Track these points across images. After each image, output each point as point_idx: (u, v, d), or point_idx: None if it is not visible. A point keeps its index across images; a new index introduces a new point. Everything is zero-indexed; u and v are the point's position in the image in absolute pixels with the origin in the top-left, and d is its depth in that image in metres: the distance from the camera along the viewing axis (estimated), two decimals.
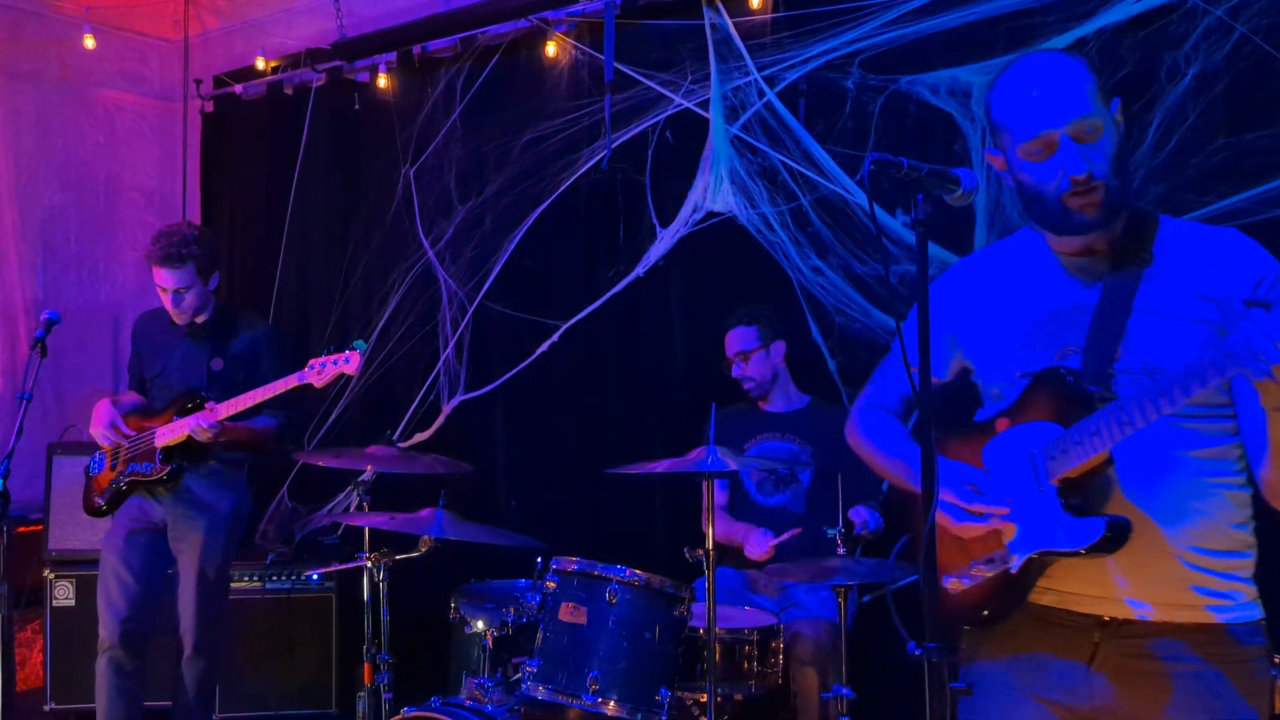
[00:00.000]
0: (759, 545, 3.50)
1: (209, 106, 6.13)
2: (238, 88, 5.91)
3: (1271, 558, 1.90)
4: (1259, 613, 1.83)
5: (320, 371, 3.62)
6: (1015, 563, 1.81)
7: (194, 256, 3.86)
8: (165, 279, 3.87)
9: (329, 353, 3.65)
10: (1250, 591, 1.83)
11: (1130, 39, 3.41)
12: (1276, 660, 1.82)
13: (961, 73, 3.68)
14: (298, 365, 3.72)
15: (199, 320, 4.00)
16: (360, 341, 3.64)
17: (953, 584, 1.91)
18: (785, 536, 3.50)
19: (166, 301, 3.93)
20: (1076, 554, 1.73)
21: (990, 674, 1.91)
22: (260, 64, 5.73)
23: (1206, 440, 1.80)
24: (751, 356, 3.79)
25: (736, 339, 3.83)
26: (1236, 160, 3.24)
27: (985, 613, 1.90)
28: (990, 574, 1.86)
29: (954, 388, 2.15)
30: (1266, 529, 1.87)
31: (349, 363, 3.60)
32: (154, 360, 4.07)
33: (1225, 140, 3.26)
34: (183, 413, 3.83)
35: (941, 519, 1.87)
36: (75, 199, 5.96)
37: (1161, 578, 1.78)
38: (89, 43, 5.66)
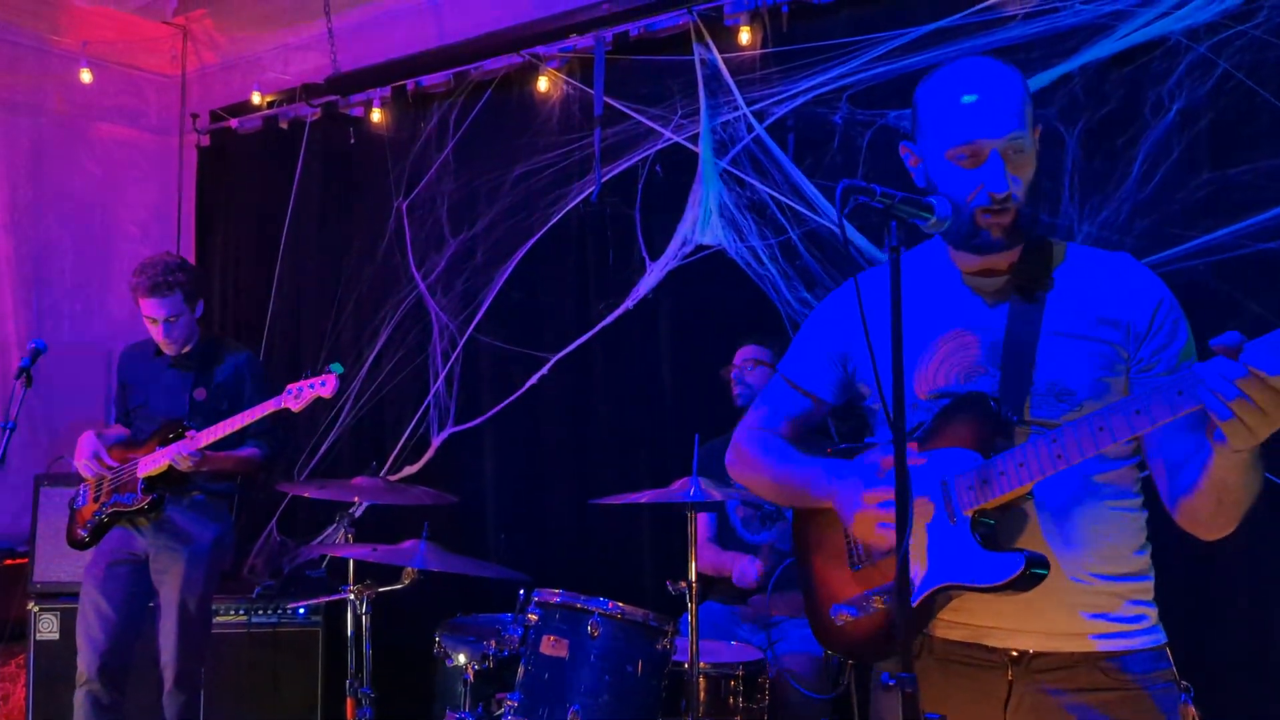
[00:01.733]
0: (747, 572, 3.47)
1: (205, 141, 6.17)
2: (234, 122, 5.95)
3: (1170, 581, 1.89)
4: (1164, 636, 1.81)
5: (298, 396, 3.62)
6: (916, 594, 1.74)
7: (180, 284, 3.87)
8: (154, 309, 3.88)
9: (306, 377, 3.65)
10: (1154, 614, 1.81)
11: (1114, 75, 3.44)
12: (1183, 684, 1.79)
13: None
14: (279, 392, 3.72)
15: (185, 350, 4.00)
16: (336, 364, 3.65)
17: (841, 616, 1.84)
18: (770, 563, 3.45)
19: (157, 332, 3.94)
20: (990, 590, 1.67)
21: None
22: (256, 98, 5.78)
23: (1110, 464, 1.78)
24: (759, 367, 3.76)
25: (751, 350, 3.82)
26: (1220, 195, 3.25)
27: (875, 647, 1.85)
28: (883, 606, 1.79)
29: (840, 411, 2.11)
30: (1159, 550, 1.86)
31: (325, 385, 3.60)
32: (138, 391, 4.07)
33: (1209, 175, 3.28)
34: (165, 443, 3.82)
35: (861, 529, 1.80)
36: (71, 232, 5.98)
37: (1071, 606, 1.75)
38: (86, 77, 5.71)
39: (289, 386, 3.68)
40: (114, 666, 3.86)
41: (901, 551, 1.52)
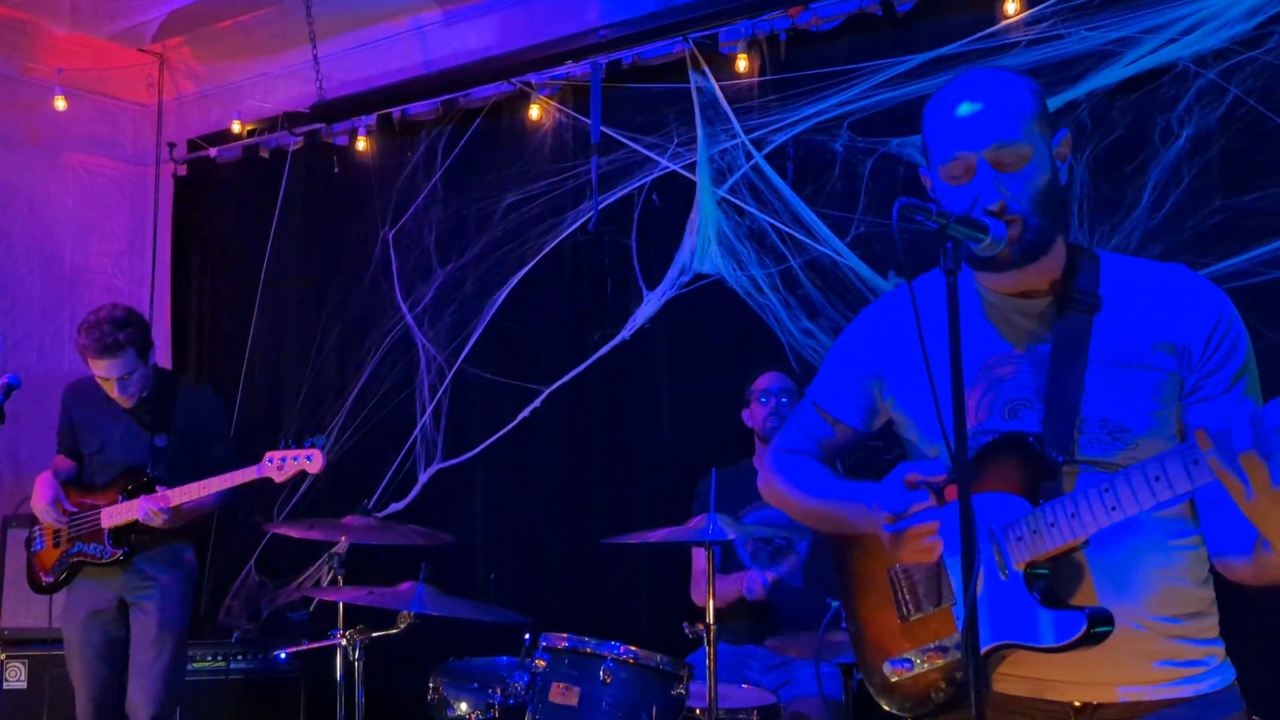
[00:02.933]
0: (754, 580, 3.36)
1: (182, 170, 6.05)
2: (212, 151, 5.83)
3: (1238, 614, 1.80)
4: (1233, 673, 1.71)
5: (280, 468, 3.53)
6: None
7: (131, 341, 3.68)
8: (106, 370, 3.68)
9: (286, 446, 3.55)
10: (1220, 653, 1.71)
11: (1121, 102, 3.40)
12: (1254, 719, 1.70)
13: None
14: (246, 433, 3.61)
15: (142, 396, 3.82)
16: (320, 437, 3.58)
17: (896, 672, 1.73)
18: (780, 571, 3.34)
19: (112, 391, 3.75)
20: (1053, 651, 1.57)
21: None
22: (236, 127, 5.66)
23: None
24: (778, 398, 3.60)
25: (771, 379, 3.66)
26: (1233, 222, 3.21)
27: (934, 703, 1.73)
28: (942, 662, 1.69)
29: (871, 440, 2.00)
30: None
31: (312, 461, 3.53)
32: (91, 435, 3.89)
33: (1222, 202, 3.23)
34: (127, 493, 3.71)
35: (871, 525, 1.67)
36: (42, 263, 5.82)
37: (1134, 654, 1.64)
38: (60, 104, 5.57)
39: (269, 455, 3.58)
40: (109, 711, 3.79)
41: (970, 602, 1.41)
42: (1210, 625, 1.72)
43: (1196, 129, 3.28)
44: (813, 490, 1.93)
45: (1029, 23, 3.53)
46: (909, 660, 1.72)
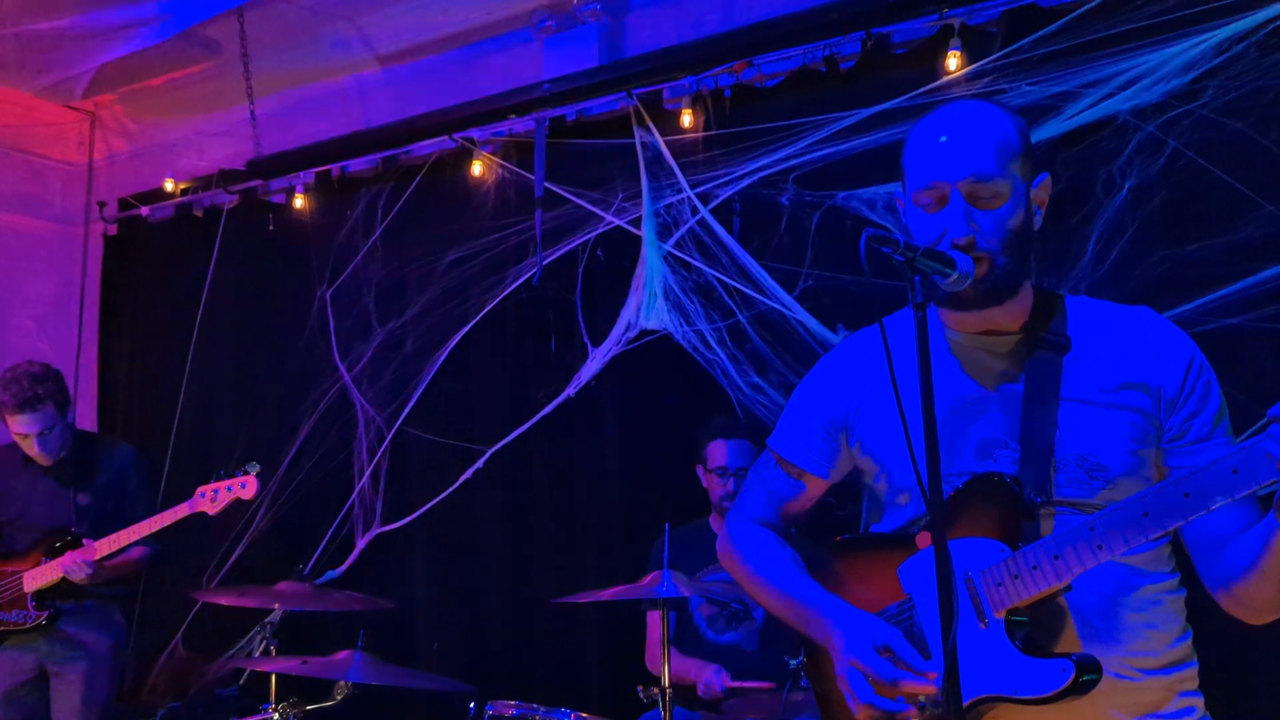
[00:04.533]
0: (713, 684, 3.18)
1: (112, 230, 5.89)
2: (144, 210, 5.69)
3: (1211, 657, 1.74)
4: None
5: (214, 499, 3.45)
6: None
7: (50, 395, 3.65)
8: (26, 425, 3.64)
9: (219, 478, 3.47)
10: (1201, 704, 1.66)
11: (1064, 155, 3.42)
12: None
13: (898, 188, 3.66)
14: (175, 490, 3.48)
15: (61, 455, 3.76)
16: (253, 464, 3.50)
17: None
18: (750, 685, 3.13)
19: (30, 448, 3.69)
20: (1039, 703, 1.50)
21: None
22: (169, 185, 5.53)
23: (1146, 543, 1.61)
24: (741, 475, 3.41)
25: (723, 452, 3.47)
26: (1178, 272, 3.22)
27: None
28: None
29: (837, 487, 1.93)
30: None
31: (245, 488, 3.47)
32: (10, 502, 3.80)
33: (1165, 252, 3.25)
34: (52, 553, 3.61)
35: (842, 689, 1.61)
36: None
37: (1115, 707, 1.58)
38: None
39: (201, 489, 3.52)
40: None
41: (950, 644, 1.33)
42: (1190, 675, 1.66)
43: (1138, 180, 3.31)
44: (774, 579, 1.84)
45: (970, 78, 3.56)
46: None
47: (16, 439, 3.69)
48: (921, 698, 1.56)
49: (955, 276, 1.56)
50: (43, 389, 3.61)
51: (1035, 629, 1.55)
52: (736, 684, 3.15)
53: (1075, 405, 1.64)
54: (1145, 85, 3.30)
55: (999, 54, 3.52)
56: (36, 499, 3.76)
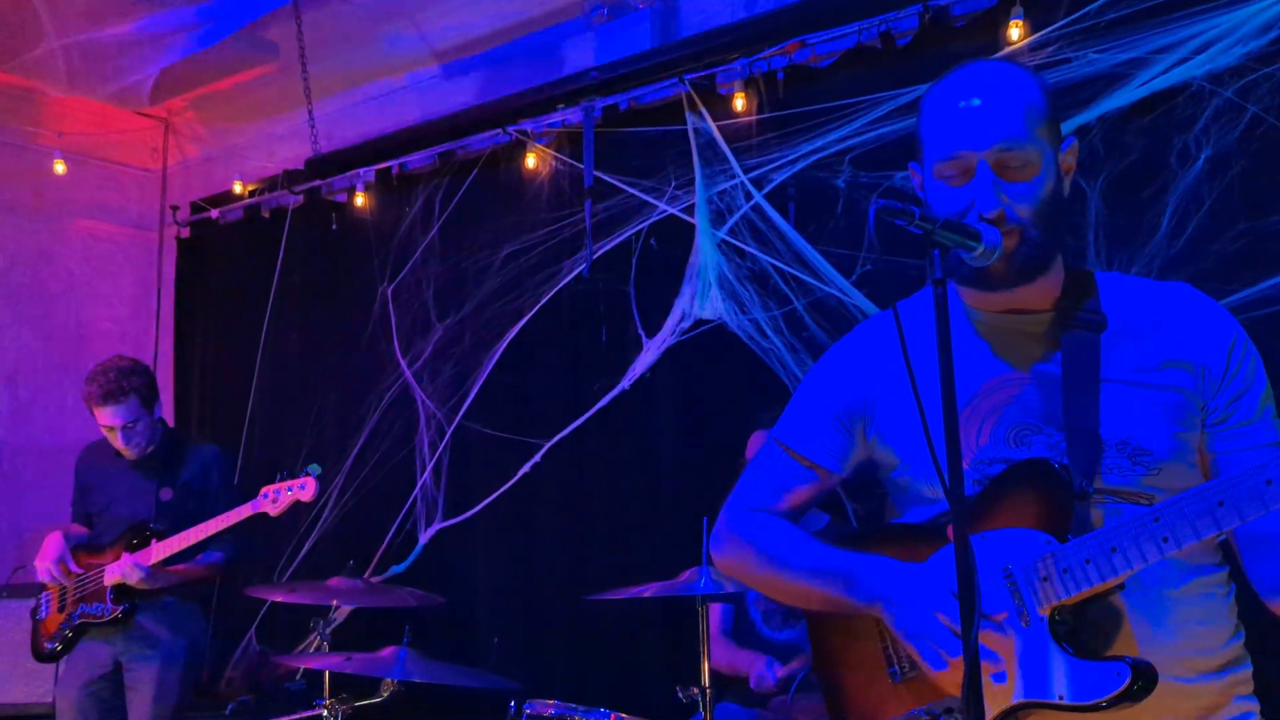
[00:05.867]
0: (765, 677, 3.10)
1: (185, 233, 6.01)
2: (214, 213, 5.79)
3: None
4: None
5: (275, 500, 3.46)
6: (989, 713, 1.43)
7: (135, 389, 3.70)
8: (110, 417, 3.69)
9: (282, 479, 3.48)
10: (1258, 709, 1.52)
11: (1135, 125, 3.24)
12: None
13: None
14: (248, 490, 3.49)
15: (147, 451, 3.80)
16: (314, 466, 3.52)
17: None
18: (793, 666, 3.09)
19: (116, 440, 3.75)
20: (1089, 709, 1.37)
21: None
22: (238, 188, 5.63)
23: None
24: None
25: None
26: (1258, 246, 3.02)
27: None
28: None
29: (850, 486, 1.79)
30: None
31: (304, 489, 3.45)
32: (99, 494, 3.88)
33: (1245, 225, 3.05)
34: (131, 549, 3.64)
35: (918, 652, 1.48)
36: (47, 329, 5.78)
37: (1171, 712, 1.45)
38: (59, 168, 5.55)
39: (264, 490, 3.53)
40: None
41: (972, 648, 1.23)
42: (1245, 678, 1.53)
43: (1215, 150, 3.11)
44: (795, 556, 1.68)
45: (1034, 48, 3.39)
46: None
47: (104, 431, 3.74)
48: (951, 701, 1.46)
49: (981, 250, 1.45)
50: (128, 382, 3.67)
51: (1084, 628, 1.42)
52: (787, 672, 3.06)
53: (1115, 386, 1.51)
54: (1221, 48, 3.10)
55: (1064, 21, 3.35)
56: (122, 493, 3.82)
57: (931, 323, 1.55)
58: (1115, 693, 1.35)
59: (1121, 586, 1.40)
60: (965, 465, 1.54)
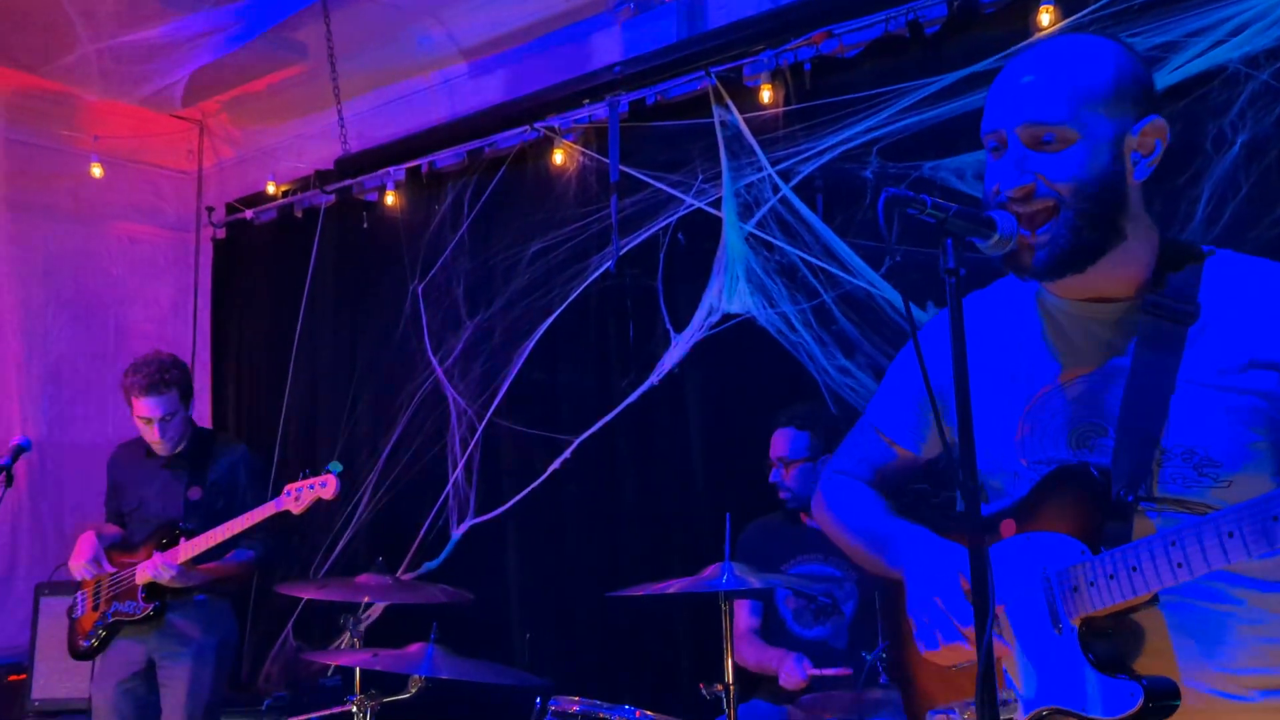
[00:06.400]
0: (794, 673, 3.08)
1: (220, 234, 6.07)
2: (249, 213, 5.85)
3: None
4: None
5: (298, 498, 3.49)
6: (1021, 713, 1.42)
7: (176, 381, 3.75)
8: (149, 408, 3.73)
9: (304, 477, 3.51)
10: None
11: (1169, 109, 3.13)
12: None
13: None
14: (281, 489, 3.54)
15: (178, 449, 3.85)
16: (335, 464, 3.54)
17: None
18: (830, 672, 3.03)
19: (151, 433, 3.79)
20: None
21: None
22: (271, 188, 5.68)
23: None
24: (795, 467, 3.36)
25: (783, 442, 3.40)
26: None
27: None
28: None
29: (934, 468, 1.78)
30: None
31: (325, 487, 3.48)
32: (131, 493, 3.92)
33: None
34: (161, 547, 3.68)
35: (916, 624, 1.50)
36: (84, 332, 5.85)
37: None
38: (96, 171, 5.62)
39: (288, 488, 3.56)
40: None
41: (985, 639, 1.20)
42: None
43: (1252, 134, 3.03)
44: (855, 517, 1.75)
45: (1069, 32, 3.32)
46: (953, 710, 1.51)
47: (139, 423, 3.78)
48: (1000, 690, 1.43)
49: (995, 239, 1.41)
50: (169, 375, 3.72)
51: (1118, 639, 1.38)
52: (818, 671, 3.03)
53: (1189, 388, 1.41)
54: (1257, 30, 3.02)
55: (1095, 5, 3.28)
56: (153, 492, 3.86)
57: (1003, 313, 1.53)
58: (1127, 713, 1.32)
59: (1155, 601, 1.35)
60: (1025, 464, 1.51)
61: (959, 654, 1.44)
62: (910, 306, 1.42)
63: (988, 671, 1.22)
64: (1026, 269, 1.46)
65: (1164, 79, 3.18)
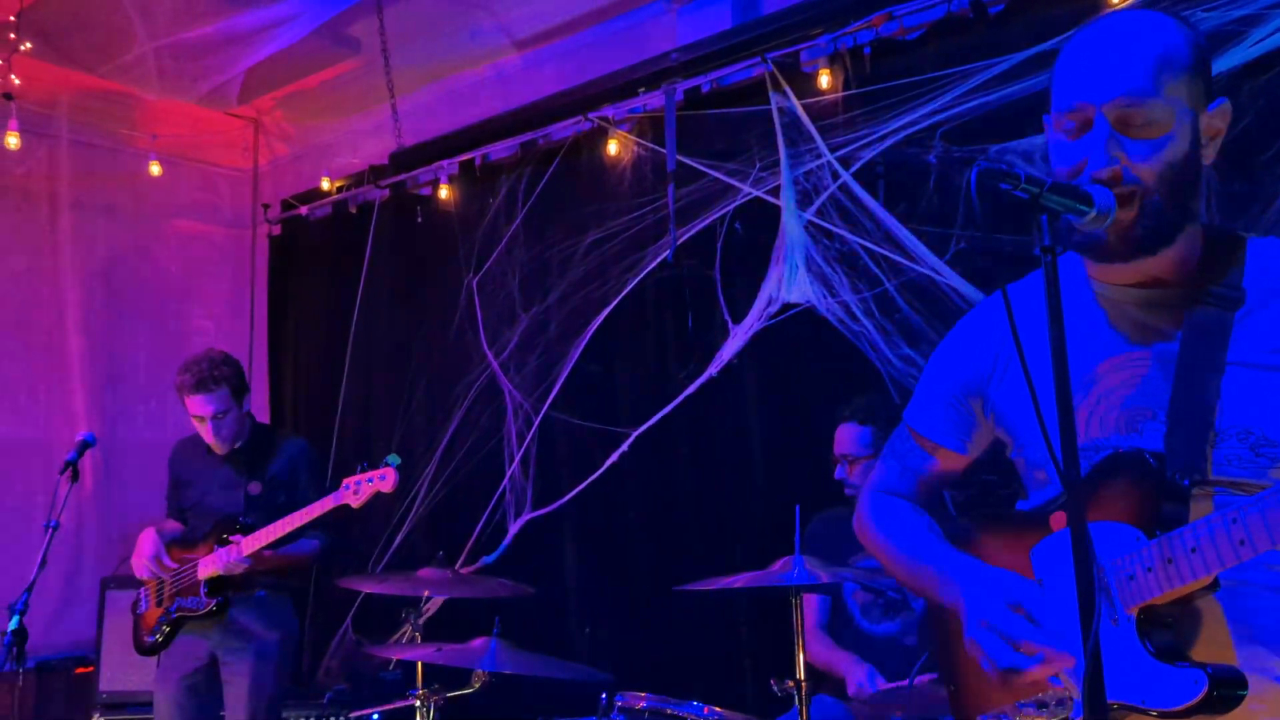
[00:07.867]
0: (866, 687, 2.96)
1: (276, 230, 6.11)
2: (304, 209, 5.88)
3: None
4: None
5: (357, 491, 3.47)
6: (1076, 711, 1.37)
7: (226, 379, 3.74)
8: (201, 407, 3.74)
9: (362, 470, 3.49)
10: None
11: (1249, 85, 3.05)
12: None
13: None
14: (339, 483, 3.54)
15: (236, 445, 3.85)
16: (394, 456, 3.51)
17: None
18: (900, 685, 2.87)
19: (206, 431, 3.80)
20: (1168, 717, 1.29)
21: None
22: (326, 184, 5.70)
23: None
24: (860, 463, 3.28)
25: (846, 439, 3.33)
26: None
27: None
28: None
29: (980, 467, 1.74)
30: None
31: (384, 480, 3.45)
32: (191, 489, 3.94)
33: None
34: (222, 542, 3.69)
35: (973, 653, 1.44)
36: (144, 329, 5.92)
37: None
38: (155, 169, 5.68)
39: (346, 481, 3.54)
40: None
41: (1091, 642, 1.14)
42: None
43: None
44: (904, 545, 1.70)
45: (1138, 8, 3.21)
46: (1005, 716, 1.45)
47: (194, 421, 3.80)
48: (1047, 697, 1.37)
49: (1092, 215, 1.34)
50: (219, 372, 3.72)
51: (1178, 629, 1.33)
52: (890, 686, 2.92)
53: (1241, 370, 1.39)
54: None
55: None
56: (213, 487, 3.88)
57: (1045, 302, 1.46)
58: (1191, 702, 1.27)
59: (1215, 586, 1.30)
60: None
61: (1015, 675, 1.40)
62: (1010, 302, 1.34)
63: (1094, 675, 1.15)
64: (1104, 248, 1.41)
65: (1243, 54, 3.07)
